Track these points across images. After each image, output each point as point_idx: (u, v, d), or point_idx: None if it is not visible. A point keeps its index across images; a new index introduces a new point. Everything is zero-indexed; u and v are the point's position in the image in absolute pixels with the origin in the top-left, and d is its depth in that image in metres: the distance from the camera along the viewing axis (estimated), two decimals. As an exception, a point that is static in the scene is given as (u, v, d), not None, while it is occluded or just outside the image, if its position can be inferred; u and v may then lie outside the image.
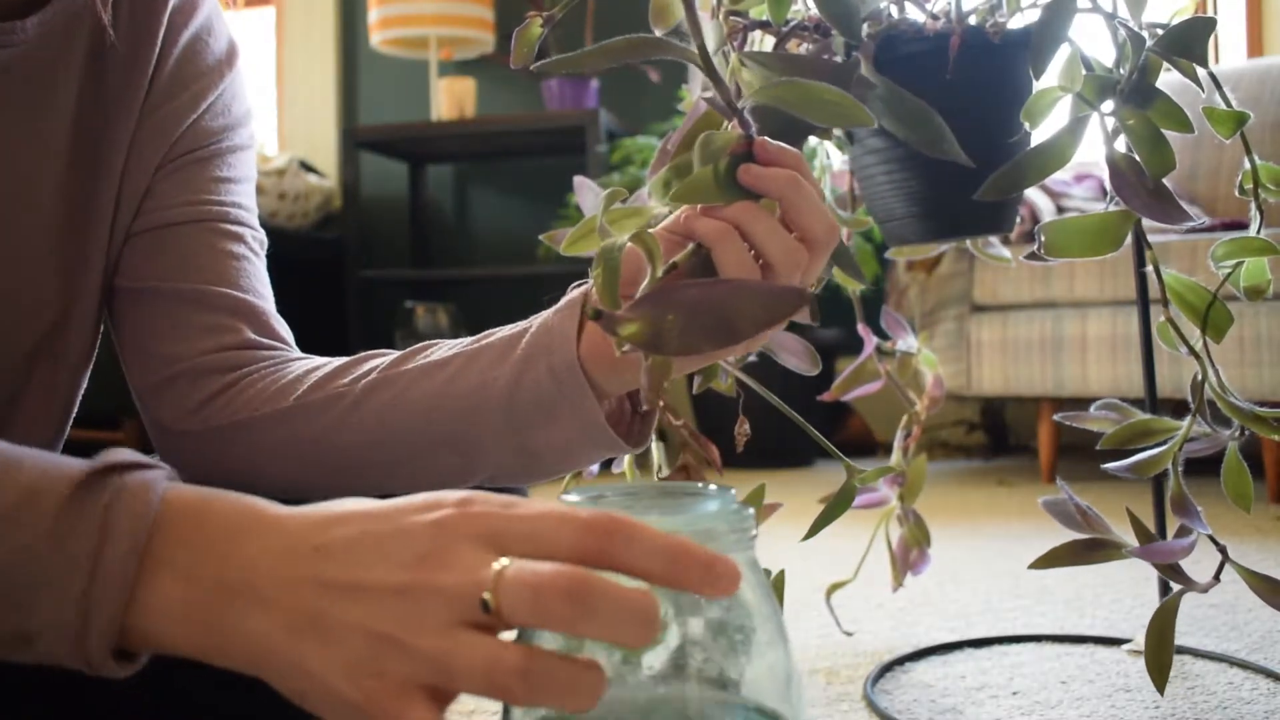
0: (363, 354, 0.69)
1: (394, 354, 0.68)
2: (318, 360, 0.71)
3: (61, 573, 0.40)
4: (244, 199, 0.75)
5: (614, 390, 0.63)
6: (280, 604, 0.41)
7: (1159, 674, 0.85)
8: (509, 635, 0.41)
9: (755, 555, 0.45)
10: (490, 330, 0.66)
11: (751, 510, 0.45)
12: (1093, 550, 0.86)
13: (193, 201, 0.72)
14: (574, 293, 0.63)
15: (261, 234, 0.76)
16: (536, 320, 0.63)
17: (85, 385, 0.73)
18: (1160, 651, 0.85)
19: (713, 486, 0.46)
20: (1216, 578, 0.86)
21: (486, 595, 0.39)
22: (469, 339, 0.66)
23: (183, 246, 0.71)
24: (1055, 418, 0.98)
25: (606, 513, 0.40)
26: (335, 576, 0.41)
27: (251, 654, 0.41)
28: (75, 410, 0.73)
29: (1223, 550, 0.88)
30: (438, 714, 0.40)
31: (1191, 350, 0.87)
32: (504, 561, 0.40)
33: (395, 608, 0.40)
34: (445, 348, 0.66)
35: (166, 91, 0.71)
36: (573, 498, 0.46)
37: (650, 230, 0.59)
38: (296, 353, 0.75)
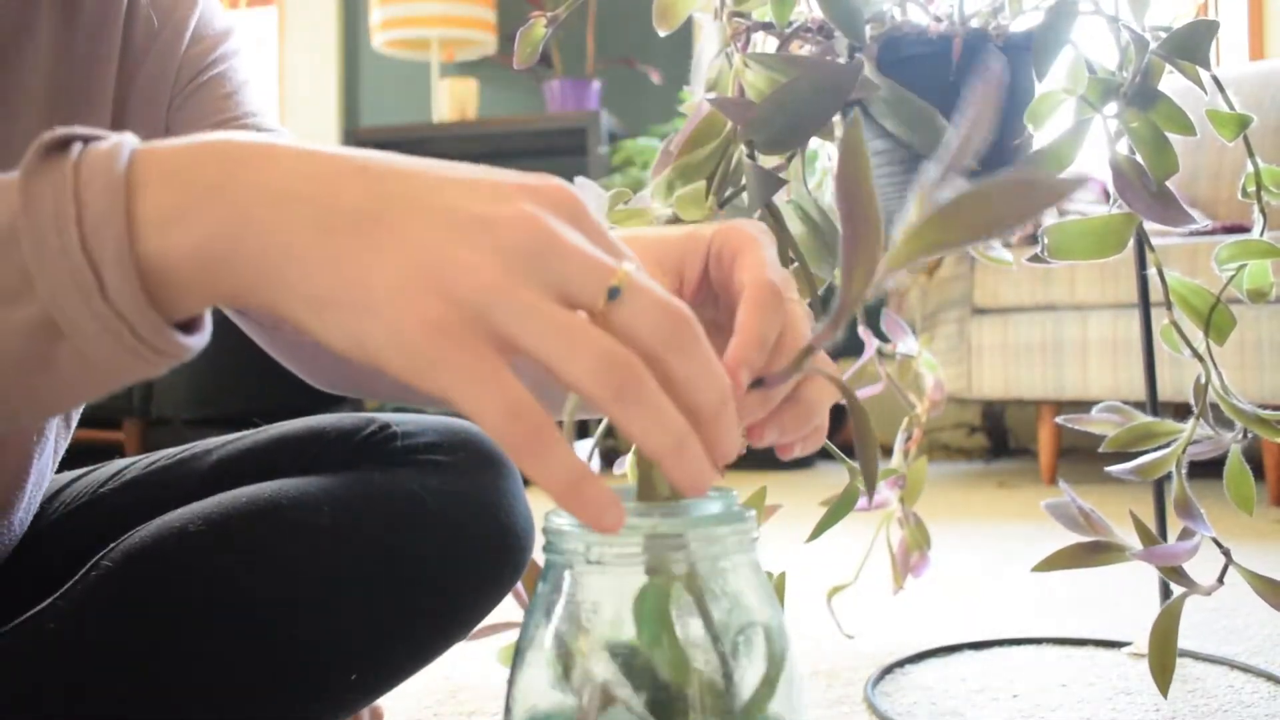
0: None
1: None
2: None
3: (49, 232, 0.34)
4: (254, 104, 0.75)
5: None
6: (310, 199, 0.34)
7: (1162, 676, 0.85)
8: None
9: (756, 557, 0.45)
10: None
11: (753, 512, 0.45)
12: (1096, 553, 0.86)
13: (211, 125, 0.72)
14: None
15: (283, 130, 0.76)
16: None
17: None
18: (1164, 654, 0.85)
19: (714, 489, 0.46)
20: (1220, 580, 0.86)
21: (616, 282, 0.34)
22: None
23: None
24: (1057, 420, 0.98)
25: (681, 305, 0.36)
26: (393, 185, 0.34)
27: (263, 256, 0.33)
28: (80, 409, 0.73)
29: (1226, 553, 0.87)
30: (518, 380, 0.33)
31: (1195, 353, 0.87)
32: (628, 264, 0.35)
33: (491, 238, 0.33)
34: None
35: (146, 34, 0.71)
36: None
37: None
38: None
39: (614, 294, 0.34)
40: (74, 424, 0.74)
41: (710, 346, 0.36)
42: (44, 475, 0.72)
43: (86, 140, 0.36)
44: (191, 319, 0.37)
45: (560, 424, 0.37)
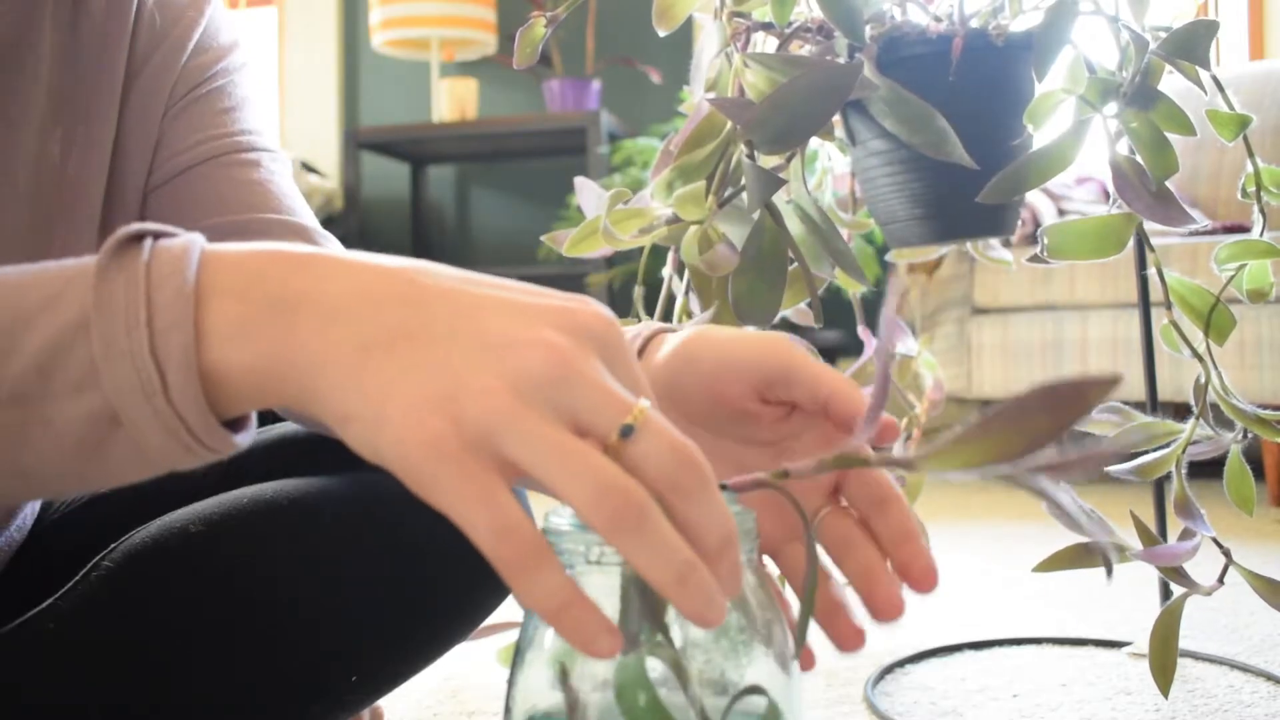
0: None
1: None
2: None
3: (119, 330, 0.36)
4: (252, 122, 0.74)
5: None
6: (350, 320, 0.36)
7: (1163, 676, 0.85)
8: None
9: (757, 557, 0.45)
10: None
11: (753, 512, 0.45)
12: (1097, 553, 0.86)
13: (203, 140, 0.71)
14: None
15: (279, 152, 0.75)
16: None
17: None
18: (1164, 654, 0.85)
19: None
20: (1220, 580, 0.86)
21: (631, 419, 0.35)
22: None
23: (206, 187, 0.70)
24: (1057, 420, 0.98)
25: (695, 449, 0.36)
26: (429, 312, 0.36)
27: (306, 371, 0.36)
28: None
29: (1226, 553, 0.88)
30: (512, 494, 0.34)
31: (1195, 353, 0.87)
32: (645, 401, 0.36)
33: (508, 364, 0.35)
34: None
35: (149, 43, 0.70)
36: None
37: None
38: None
39: (627, 431, 0.35)
40: None
41: (718, 489, 0.36)
42: None
43: (157, 236, 0.38)
44: (240, 416, 0.39)
45: None
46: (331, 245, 0.74)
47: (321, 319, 0.36)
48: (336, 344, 0.36)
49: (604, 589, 0.42)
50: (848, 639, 0.48)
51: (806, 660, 0.47)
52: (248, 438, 0.39)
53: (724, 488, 0.44)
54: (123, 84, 0.69)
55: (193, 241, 0.38)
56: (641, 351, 0.54)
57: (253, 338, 0.36)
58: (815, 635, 0.47)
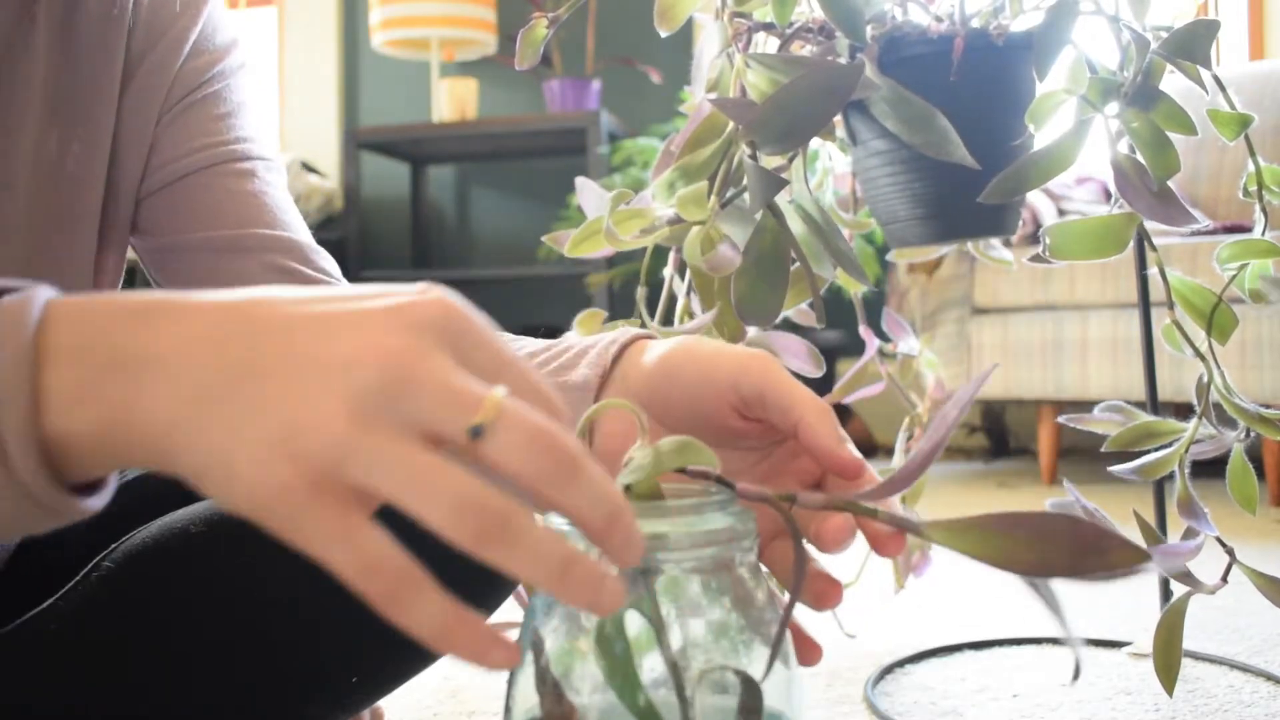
0: None
1: None
2: None
3: None
4: (248, 128, 0.72)
5: None
6: (191, 372, 0.34)
7: (1167, 675, 0.85)
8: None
9: (757, 559, 0.45)
10: None
11: (754, 513, 0.45)
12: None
13: (199, 148, 0.69)
14: None
15: (276, 160, 0.74)
16: None
17: None
18: (1168, 653, 0.85)
19: (715, 490, 0.46)
20: (1224, 579, 0.86)
21: (480, 418, 0.33)
22: None
23: (201, 197, 0.69)
24: (1059, 420, 0.98)
25: (569, 434, 0.34)
26: (267, 344, 0.34)
27: (153, 432, 0.34)
28: None
29: (1230, 552, 0.87)
30: (372, 526, 0.33)
31: (1197, 352, 0.87)
32: (501, 389, 0.34)
33: (343, 383, 0.33)
34: None
35: (146, 40, 0.69)
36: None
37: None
38: (346, 286, 0.73)
39: (477, 431, 0.33)
40: None
41: (593, 463, 0.35)
42: None
43: (3, 291, 0.37)
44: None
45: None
46: (325, 261, 0.73)
47: (159, 375, 0.35)
48: (177, 400, 0.34)
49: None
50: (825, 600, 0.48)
51: (813, 654, 0.47)
52: (102, 500, 0.38)
53: (728, 485, 0.44)
54: (120, 82, 0.68)
55: (33, 299, 0.36)
56: (619, 357, 0.54)
57: (93, 403, 0.35)
58: (816, 632, 0.47)
